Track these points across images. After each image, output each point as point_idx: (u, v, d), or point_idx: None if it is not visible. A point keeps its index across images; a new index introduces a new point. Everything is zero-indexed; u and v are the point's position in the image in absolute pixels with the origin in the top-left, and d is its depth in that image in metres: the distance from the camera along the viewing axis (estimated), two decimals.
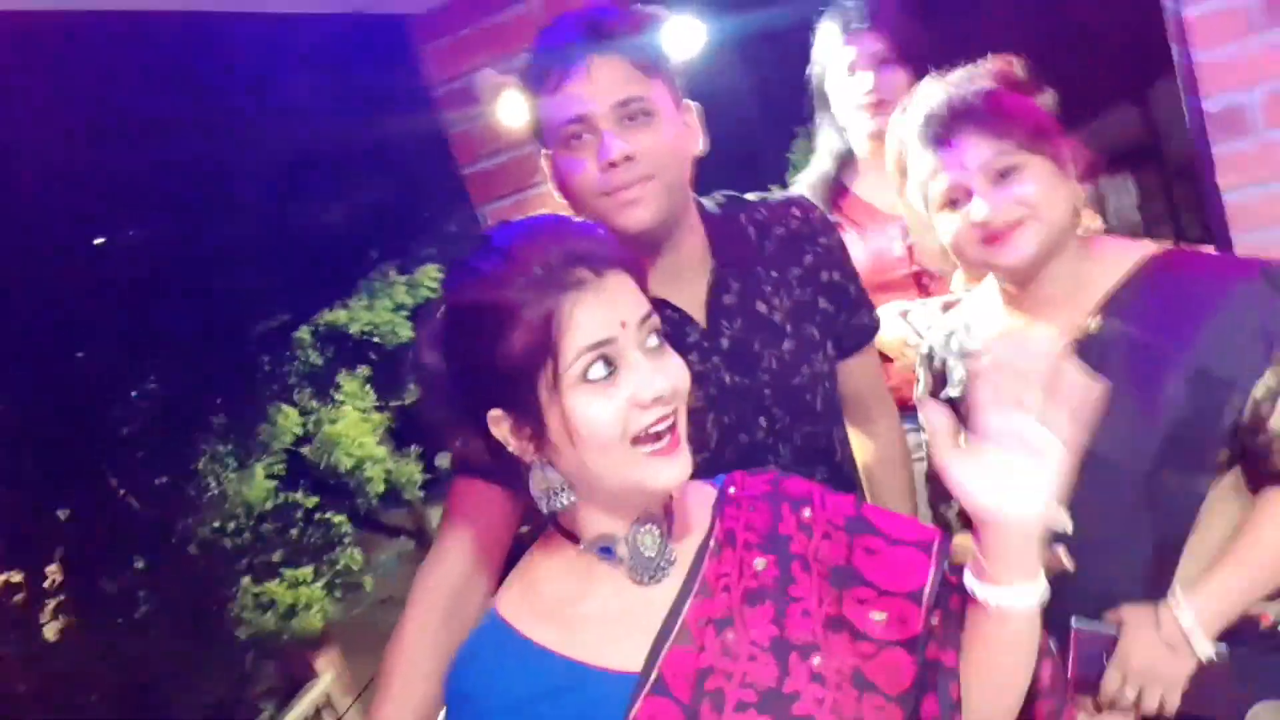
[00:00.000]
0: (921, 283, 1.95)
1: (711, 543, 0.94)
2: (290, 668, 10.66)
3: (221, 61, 6.71)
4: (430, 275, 10.65)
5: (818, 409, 1.34)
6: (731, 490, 0.98)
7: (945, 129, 1.23)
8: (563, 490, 0.90)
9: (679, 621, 0.90)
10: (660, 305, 1.22)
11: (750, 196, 1.42)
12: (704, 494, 0.99)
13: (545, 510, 0.92)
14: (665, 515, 0.94)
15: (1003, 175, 1.21)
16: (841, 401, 1.43)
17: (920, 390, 1.45)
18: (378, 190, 8.48)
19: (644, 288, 0.90)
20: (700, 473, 1.26)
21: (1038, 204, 1.21)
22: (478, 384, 0.89)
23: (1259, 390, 1.16)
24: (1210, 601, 1.18)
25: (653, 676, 0.88)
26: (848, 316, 1.39)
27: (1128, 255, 1.27)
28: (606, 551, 0.92)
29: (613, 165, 1.16)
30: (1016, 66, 1.28)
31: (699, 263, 1.30)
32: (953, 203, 1.24)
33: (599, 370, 0.84)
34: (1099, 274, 1.26)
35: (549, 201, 2.15)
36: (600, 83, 1.16)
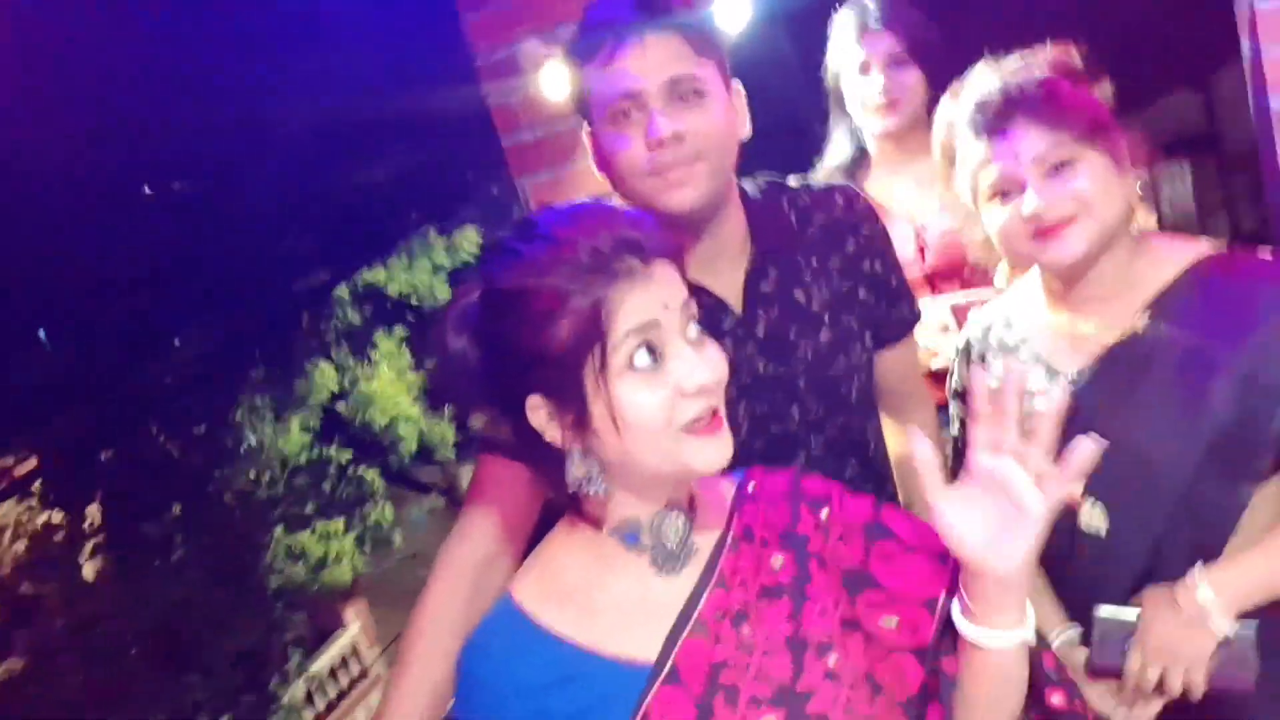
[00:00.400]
0: (934, 284, 1.93)
1: (730, 537, 0.94)
2: (319, 618, 10.91)
3: (272, 21, 6.74)
4: (470, 239, 10.68)
5: (852, 401, 1.32)
6: (751, 487, 0.98)
7: (999, 118, 1.19)
8: (597, 477, 0.89)
9: (695, 613, 0.90)
10: (696, 291, 1.21)
11: (792, 181, 1.39)
12: (724, 488, 0.98)
13: (574, 494, 0.92)
14: (689, 504, 0.93)
15: (1057, 169, 1.17)
16: (877, 393, 1.40)
17: (954, 383, 1.42)
18: (420, 153, 8.51)
19: (684, 277, 0.90)
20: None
21: (1091, 200, 1.17)
22: (517, 370, 0.88)
23: None
24: (1231, 580, 1.15)
25: (667, 667, 0.87)
26: (888, 307, 1.36)
27: (1180, 255, 1.23)
28: (631, 538, 0.92)
29: (661, 144, 1.14)
30: (1074, 55, 1.24)
31: (738, 248, 1.28)
32: (1003, 194, 1.21)
33: (644, 358, 0.84)
34: (1149, 273, 1.23)
35: (589, 178, 2.14)
36: (652, 59, 1.13)
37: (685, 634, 0.89)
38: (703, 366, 0.85)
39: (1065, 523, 1.23)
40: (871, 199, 1.91)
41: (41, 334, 8.54)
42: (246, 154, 7.78)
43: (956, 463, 1.46)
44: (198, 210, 8.20)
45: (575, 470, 0.90)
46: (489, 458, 1.29)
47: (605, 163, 1.22)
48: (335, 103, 7.20)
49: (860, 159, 2.01)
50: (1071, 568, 1.28)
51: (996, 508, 0.82)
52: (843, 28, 1.95)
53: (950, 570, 0.90)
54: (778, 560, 0.92)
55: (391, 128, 7.96)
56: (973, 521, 0.82)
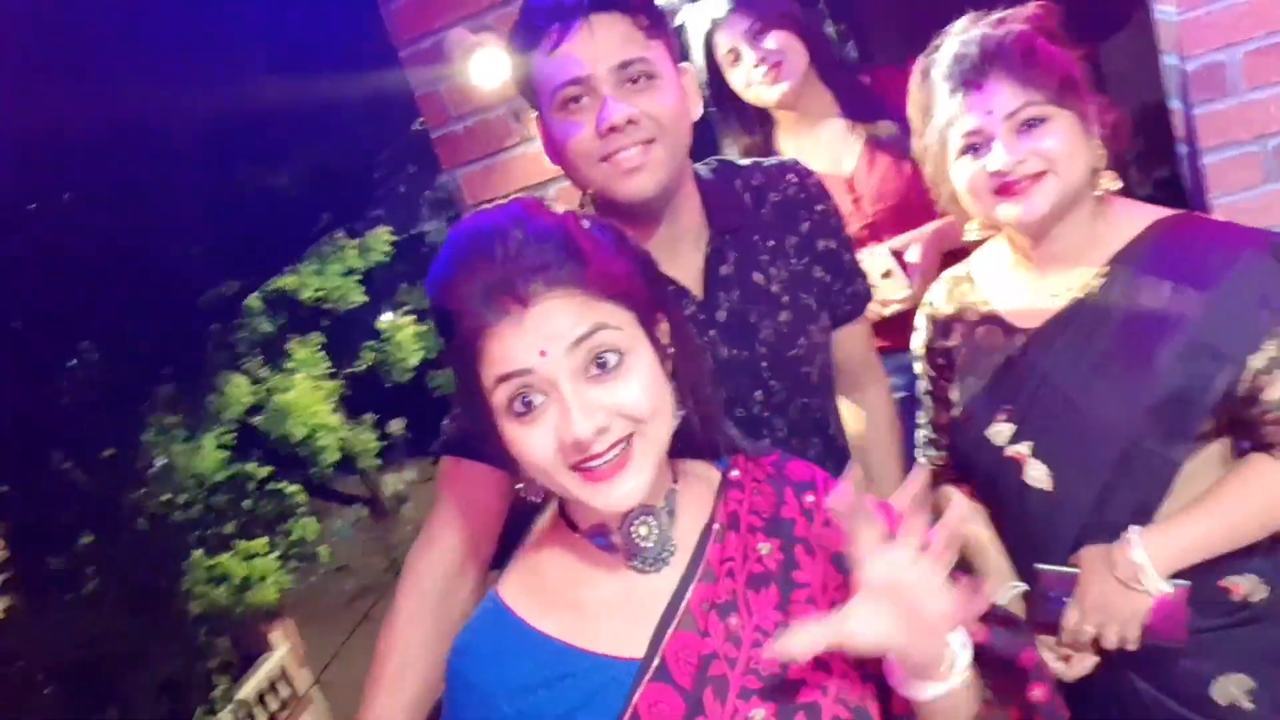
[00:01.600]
0: (878, 234, 1.94)
1: (715, 526, 0.92)
2: (244, 641, 10.57)
3: (164, 13, 6.46)
4: (381, 239, 10.48)
5: (814, 381, 1.32)
6: (735, 474, 0.96)
7: (975, 71, 1.19)
8: (538, 487, 0.88)
9: (682, 606, 0.88)
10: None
11: (743, 162, 1.38)
12: (707, 477, 0.96)
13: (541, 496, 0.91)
14: (665, 502, 0.91)
15: (1027, 126, 1.18)
16: (834, 371, 1.40)
17: (919, 340, 1.43)
18: (327, 152, 8.28)
19: (607, 292, 0.82)
20: None
21: (1058, 159, 1.18)
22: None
23: (1258, 361, 1.15)
24: (1166, 540, 1.19)
25: (655, 663, 0.86)
26: (843, 285, 1.36)
27: (1141, 217, 1.26)
28: (602, 541, 0.90)
29: (614, 130, 1.11)
30: (1053, 14, 1.24)
31: (696, 232, 1.26)
32: (974, 149, 1.21)
33: (519, 406, 0.81)
34: (1109, 234, 1.25)
35: (521, 165, 2.10)
36: (601, 43, 1.10)
37: (672, 628, 0.87)
38: (581, 418, 0.79)
39: (1014, 479, 1.28)
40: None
41: None
42: (141, 157, 7.42)
43: (912, 419, 1.48)
44: (91, 219, 7.78)
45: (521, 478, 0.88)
46: (451, 459, 1.26)
47: (556, 150, 1.19)
48: (237, 100, 6.93)
49: (763, 139, 2.00)
50: (1019, 522, 1.31)
51: (893, 599, 0.79)
52: (696, 27, 1.93)
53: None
54: (765, 547, 0.91)
55: (297, 124, 7.71)
56: (876, 617, 0.79)
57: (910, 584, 0.78)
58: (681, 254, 1.24)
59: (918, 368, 1.44)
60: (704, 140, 1.44)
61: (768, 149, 2.00)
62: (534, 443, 0.81)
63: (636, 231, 1.19)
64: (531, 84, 1.17)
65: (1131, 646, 1.22)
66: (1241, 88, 1.65)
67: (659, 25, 1.15)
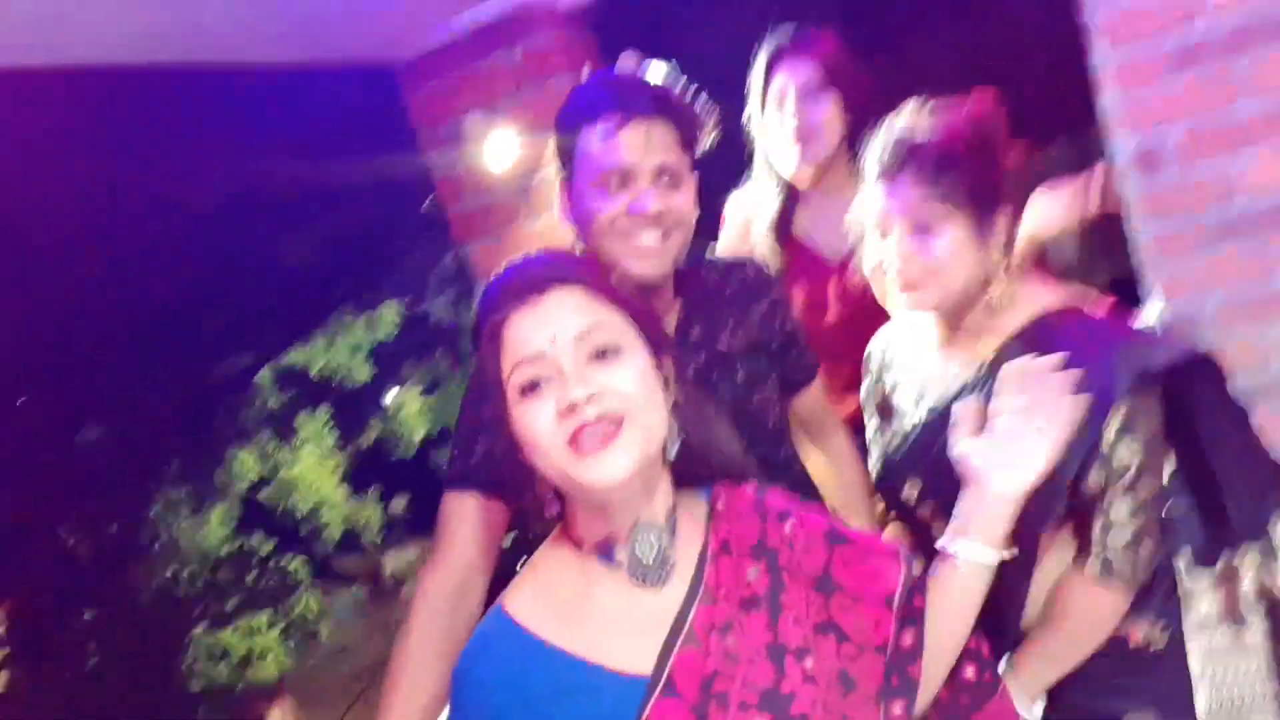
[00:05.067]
0: (859, 324, 1.88)
1: (710, 551, 0.98)
2: (244, 719, 10.40)
3: (190, 104, 6.70)
4: (389, 313, 10.65)
5: (769, 427, 1.50)
6: (720, 504, 1.03)
7: (892, 164, 1.26)
8: (552, 500, 0.97)
9: (687, 625, 0.93)
10: None
11: (711, 255, 1.58)
12: (696, 504, 1.03)
13: (554, 514, 0.99)
14: (667, 520, 0.97)
15: (923, 227, 1.25)
16: (800, 424, 1.62)
17: (865, 389, 1.54)
18: (339, 230, 8.50)
19: (612, 300, 0.96)
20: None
21: (941, 268, 1.25)
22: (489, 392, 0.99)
23: (1109, 433, 1.20)
24: (1029, 681, 1.29)
25: (663, 679, 0.91)
26: (796, 357, 1.56)
27: (1033, 304, 1.31)
28: (606, 556, 0.96)
29: (644, 217, 1.30)
30: (996, 110, 1.28)
31: (668, 303, 1.45)
32: (884, 233, 1.29)
33: (527, 385, 0.92)
34: (1007, 318, 1.31)
35: (528, 240, 2.28)
36: (652, 145, 1.30)
37: (678, 647, 0.92)
38: (578, 385, 0.89)
39: (925, 538, 1.35)
40: (800, 242, 2.01)
41: None
42: (155, 231, 7.61)
43: (868, 457, 1.57)
44: (104, 290, 7.95)
45: (538, 493, 0.97)
46: (454, 494, 1.40)
47: (579, 214, 1.36)
48: (254, 184, 7.15)
49: (786, 202, 2.00)
50: None
51: (1007, 447, 1.07)
52: (761, 62, 1.95)
53: (905, 563, 1.01)
54: (752, 572, 0.97)
55: (311, 202, 7.94)
56: (986, 450, 1.08)
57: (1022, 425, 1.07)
58: None
59: (866, 412, 1.55)
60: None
61: (786, 220, 2.03)
62: (538, 417, 0.90)
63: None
64: (573, 152, 1.34)
65: None
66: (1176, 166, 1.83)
67: (691, 141, 1.36)
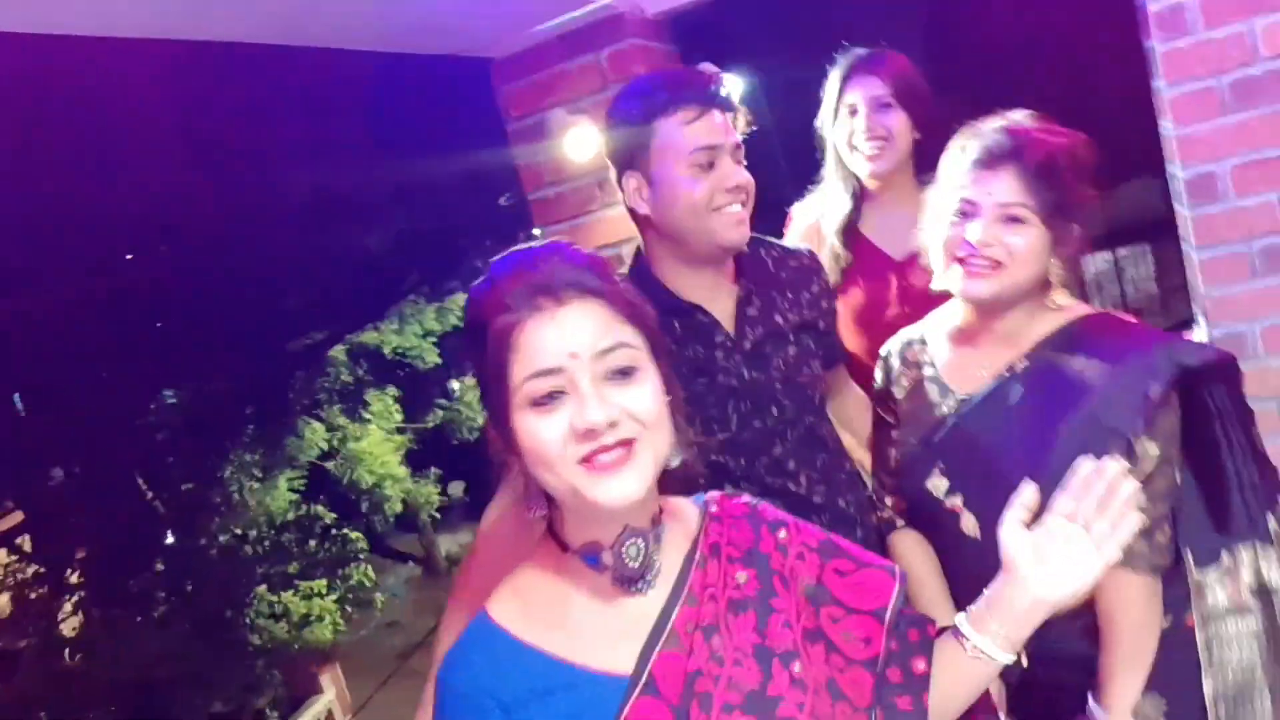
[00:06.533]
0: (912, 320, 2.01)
1: (698, 555, 0.98)
2: (295, 682, 10.77)
3: (282, 88, 7.00)
4: (460, 304, 10.90)
5: (815, 403, 1.62)
6: (714, 509, 1.03)
7: (996, 156, 1.34)
8: (536, 496, 0.95)
9: (668, 627, 0.93)
10: (695, 310, 1.51)
11: (768, 239, 1.70)
12: (688, 510, 1.04)
13: (534, 515, 0.97)
14: (653, 527, 0.96)
15: (1010, 220, 1.33)
16: (833, 398, 1.75)
17: (878, 383, 1.63)
18: (419, 219, 8.77)
19: (628, 315, 0.92)
20: (721, 451, 1.47)
21: (1017, 259, 1.33)
22: (481, 393, 0.96)
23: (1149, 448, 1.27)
24: (1121, 695, 1.33)
25: (644, 678, 0.91)
26: (833, 338, 1.71)
27: (1066, 313, 1.40)
28: (591, 560, 0.94)
29: (737, 189, 1.45)
30: (1092, 153, 1.37)
31: (730, 282, 1.57)
32: (962, 214, 1.37)
33: (542, 397, 0.88)
34: (1039, 324, 1.40)
35: (601, 226, 2.42)
36: (727, 126, 1.46)
37: (659, 647, 0.92)
38: (596, 407, 0.86)
39: (953, 527, 1.43)
40: (869, 241, 2.09)
41: (16, 399, 8.62)
42: (247, 214, 7.97)
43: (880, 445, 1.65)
44: (198, 270, 8.37)
45: (516, 488, 0.96)
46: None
47: (667, 199, 1.45)
48: (340, 171, 7.44)
49: (855, 204, 2.08)
50: (957, 565, 1.47)
51: (1058, 552, 0.99)
52: (834, 77, 2.05)
53: (899, 579, 1.02)
54: (742, 576, 0.97)
55: (394, 192, 8.21)
56: (1035, 547, 0.99)
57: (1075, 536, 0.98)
58: (719, 298, 1.54)
59: (881, 406, 1.62)
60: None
61: (855, 218, 2.12)
62: (548, 431, 0.87)
63: (692, 276, 1.51)
64: (649, 144, 1.45)
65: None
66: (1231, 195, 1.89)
67: (747, 126, 1.51)
